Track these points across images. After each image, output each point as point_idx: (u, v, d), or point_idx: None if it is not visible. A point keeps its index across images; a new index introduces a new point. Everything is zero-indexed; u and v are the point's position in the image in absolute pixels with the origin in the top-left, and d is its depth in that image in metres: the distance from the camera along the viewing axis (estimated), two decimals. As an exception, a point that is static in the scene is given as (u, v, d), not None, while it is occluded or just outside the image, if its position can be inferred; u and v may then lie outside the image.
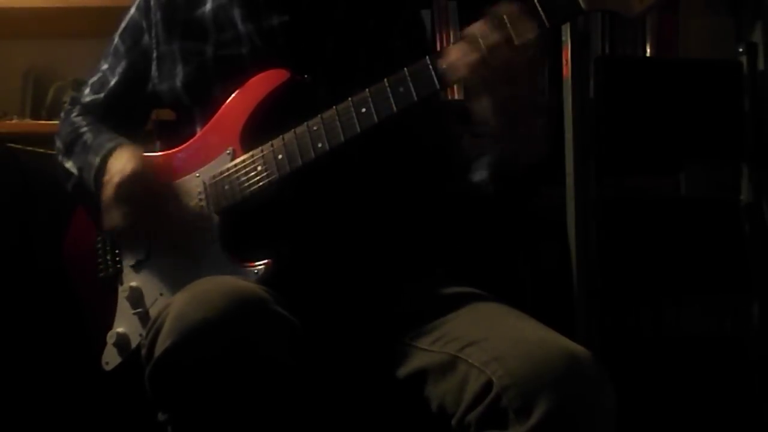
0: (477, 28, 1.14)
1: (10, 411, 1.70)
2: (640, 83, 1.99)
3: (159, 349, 1.06)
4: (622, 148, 1.97)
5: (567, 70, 1.92)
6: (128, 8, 1.49)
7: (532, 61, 1.14)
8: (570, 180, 1.89)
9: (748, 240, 1.96)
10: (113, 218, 1.32)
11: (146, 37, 1.45)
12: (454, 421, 1.09)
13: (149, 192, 1.32)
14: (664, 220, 1.98)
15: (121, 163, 1.33)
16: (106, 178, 1.33)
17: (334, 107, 1.23)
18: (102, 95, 1.49)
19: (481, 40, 1.13)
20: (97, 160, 1.38)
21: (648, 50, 2.27)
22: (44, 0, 2.25)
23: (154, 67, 1.44)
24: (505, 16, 1.13)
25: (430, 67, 1.17)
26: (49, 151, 1.58)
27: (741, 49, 2.01)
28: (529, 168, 1.26)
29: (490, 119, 1.18)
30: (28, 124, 2.28)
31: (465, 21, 2.24)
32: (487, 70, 1.13)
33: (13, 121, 2.28)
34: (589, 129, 1.91)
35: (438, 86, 1.17)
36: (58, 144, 1.50)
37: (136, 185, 1.30)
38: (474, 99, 1.17)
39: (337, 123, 1.22)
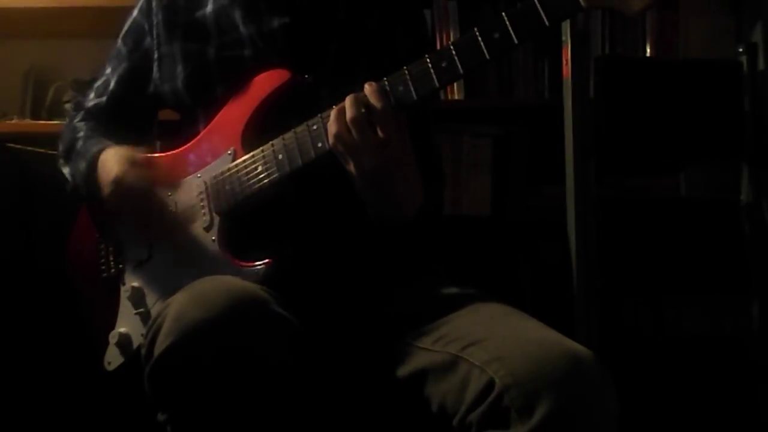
0: (347, 100, 1.18)
1: (12, 411, 1.70)
2: (640, 83, 1.98)
3: (158, 349, 1.07)
4: (622, 148, 1.97)
5: (567, 70, 1.91)
6: (129, 9, 1.50)
7: (388, 136, 1.17)
8: (570, 180, 1.89)
9: (748, 240, 1.95)
10: (118, 220, 1.39)
11: (148, 39, 1.45)
12: (455, 421, 1.09)
13: (139, 192, 1.33)
14: (664, 220, 1.97)
15: (106, 169, 1.35)
16: (102, 184, 1.36)
17: (333, 106, 1.22)
18: (105, 98, 1.50)
19: (347, 113, 1.17)
20: (84, 165, 1.40)
21: (648, 50, 2.27)
22: (44, 0, 2.25)
23: (155, 69, 1.44)
24: (364, 93, 1.18)
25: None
26: (50, 151, 1.58)
27: (741, 49, 2.01)
28: (405, 220, 1.27)
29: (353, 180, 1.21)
30: (28, 124, 2.28)
31: (465, 21, 2.24)
32: (342, 144, 1.18)
33: (13, 121, 2.28)
34: (589, 129, 1.91)
35: (437, 85, 1.18)
36: (60, 149, 1.51)
37: (123, 188, 1.33)
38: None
39: None
